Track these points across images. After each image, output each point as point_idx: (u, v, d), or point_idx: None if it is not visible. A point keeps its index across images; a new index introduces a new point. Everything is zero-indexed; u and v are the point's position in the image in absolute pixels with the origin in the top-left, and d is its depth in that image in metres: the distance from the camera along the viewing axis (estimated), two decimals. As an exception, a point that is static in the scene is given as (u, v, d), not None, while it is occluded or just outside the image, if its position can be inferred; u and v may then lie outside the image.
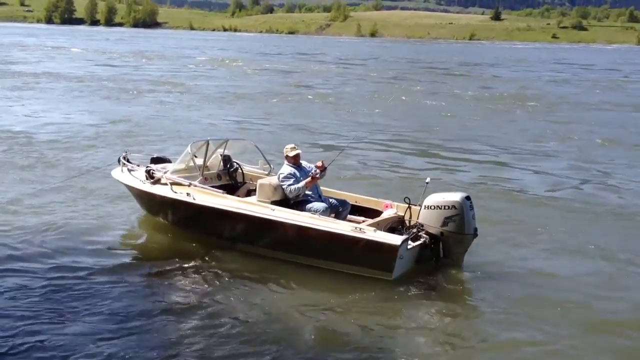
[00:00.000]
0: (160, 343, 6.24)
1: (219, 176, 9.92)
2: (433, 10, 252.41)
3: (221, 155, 10.03)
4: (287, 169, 8.88)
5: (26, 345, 6.06)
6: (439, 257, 8.17)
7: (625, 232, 10.19)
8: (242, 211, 8.39)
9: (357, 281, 7.69)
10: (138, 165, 9.96)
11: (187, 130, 18.17)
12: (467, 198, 8.06)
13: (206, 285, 7.63)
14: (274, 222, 8.17)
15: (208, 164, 9.81)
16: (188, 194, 8.74)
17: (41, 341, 6.14)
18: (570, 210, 11.37)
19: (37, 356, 5.92)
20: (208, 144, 9.74)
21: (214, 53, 63.46)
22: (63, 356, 5.93)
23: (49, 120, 19.20)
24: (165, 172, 9.21)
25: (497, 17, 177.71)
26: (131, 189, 9.73)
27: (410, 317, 7.09)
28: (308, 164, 9.13)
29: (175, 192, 8.82)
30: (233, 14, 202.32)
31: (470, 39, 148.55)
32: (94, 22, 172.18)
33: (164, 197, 8.95)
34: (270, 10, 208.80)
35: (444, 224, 8.00)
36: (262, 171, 10.16)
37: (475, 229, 8.09)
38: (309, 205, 8.56)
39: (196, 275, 7.93)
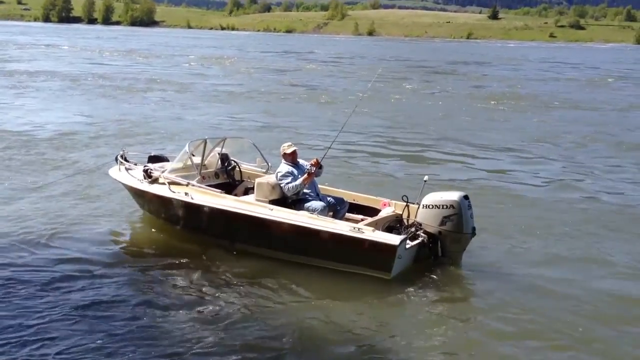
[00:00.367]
0: (155, 341, 6.22)
1: (216, 174, 9.91)
2: (430, 9, 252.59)
3: (219, 153, 10.01)
4: (284, 167, 8.86)
5: (21, 342, 6.06)
6: (437, 256, 8.18)
7: (625, 231, 10.18)
8: (240, 211, 8.37)
9: (356, 280, 7.69)
10: (135, 164, 9.94)
11: (184, 128, 18.15)
12: (465, 197, 8.08)
13: (204, 285, 7.61)
14: (273, 221, 8.16)
15: (206, 162, 9.79)
16: (186, 194, 8.72)
17: (38, 340, 6.12)
18: (568, 209, 11.38)
19: (33, 352, 5.92)
20: (206, 143, 9.72)
21: (208, 51, 63.34)
22: (58, 352, 5.93)
23: (44, 119, 19.14)
24: (163, 172, 9.20)
25: (494, 16, 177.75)
26: (129, 188, 9.71)
27: (409, 316, 7.09)
28: (305, 162, 9.12)
29: (174, 192, 8.80)
30: (230, 12, 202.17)
31: (467, 38, 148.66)
32: (92, 21, 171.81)
33: (162, 196, 8.93)
34: (267, 9, 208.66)
35: (442, 223, 8.01)
36: (259, 169, 10.15)
37: (474, 228, 8.11)
38: (307, 204, 8.55)
39: (194, 275, 7.90)
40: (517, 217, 10.62)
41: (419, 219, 8.22)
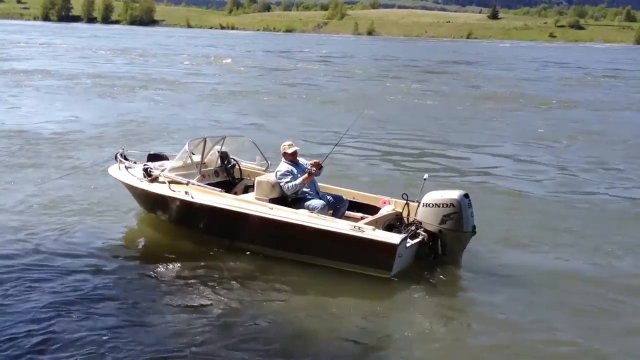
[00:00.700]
0: (155, 339, 6.20)
1: (216, 173, 9.90)
2: (430, 9, 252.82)
3: (218, 151, 10.00)
4: (284, 166, 8.85)
5: (24, 341, 6.03)
6: (437, 254, 8.16)
7: (626, 229, 10.17)
8: (240, 210, 8.35)
9: (356, 279, 7.67)
10: (135, 162, 9.93)
11: (183, 127, 18.15)
12: (466, 196, 8.06)
13: (204, 283, 7.58)
14: (272, 220, 8.13)
15: (205, 160, 9.78)
16: (186, 193, 8.70)
17: (38, 340, 6.10)
18: (569, 207, 11.37)
19: (29, 348, 5.92)
20: (205, 141, 9.70)
21: (207, 51, 63.30)
22: (56, 349, 5.92)
23: (43, 118, 19.08)
24: (162, 170, 9.18)
25: (494, 16, 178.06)
26: (129, 186, 9.68)
27: (409, 315, 7.07)
28: (304, 161, 9.11)
29: (174, 191, 8.78)
30: (230, 12, 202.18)
31: (467, 38, 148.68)
32: (91, 20, 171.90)
33: (162, 195, 8.90)
34: (267, 8, 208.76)
35: (442, 221, 7.99)
36: (259, 167, 10.15)
37: (474, 227, 8.09)
38: (307, 203, 8.53)
39: (194, 274, 7.88)
40: (517, 216, 10.61)
41: (419, 218, 8.20)
